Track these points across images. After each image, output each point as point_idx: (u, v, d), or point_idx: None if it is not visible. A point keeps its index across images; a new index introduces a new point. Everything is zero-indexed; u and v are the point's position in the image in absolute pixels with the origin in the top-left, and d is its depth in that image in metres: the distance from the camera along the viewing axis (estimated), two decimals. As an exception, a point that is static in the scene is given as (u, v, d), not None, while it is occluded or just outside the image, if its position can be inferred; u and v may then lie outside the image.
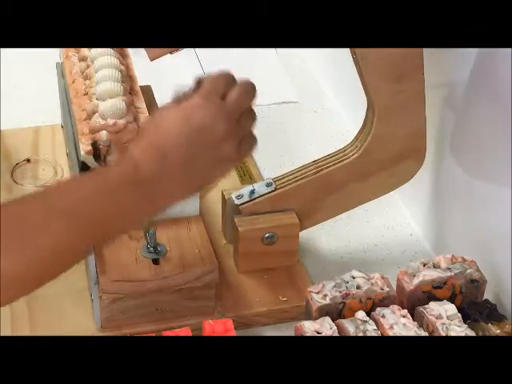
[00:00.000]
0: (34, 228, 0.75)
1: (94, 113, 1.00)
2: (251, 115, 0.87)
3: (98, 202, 0.79)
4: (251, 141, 0.87)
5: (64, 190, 0.80)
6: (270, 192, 1.01)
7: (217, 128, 0.82)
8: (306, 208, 1.02)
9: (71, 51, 1.13)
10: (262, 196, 1.01)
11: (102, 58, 1.05)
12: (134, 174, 0.80)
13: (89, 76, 1.06)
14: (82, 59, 1.09)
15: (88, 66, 1.08)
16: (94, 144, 0.98)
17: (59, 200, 0.78)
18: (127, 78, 1.07)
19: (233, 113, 0.84)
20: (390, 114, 0.96)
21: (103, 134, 0.98)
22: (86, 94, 1.05)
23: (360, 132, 1.00)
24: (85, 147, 0.98)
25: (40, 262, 0.75)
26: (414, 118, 0.97)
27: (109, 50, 1.07)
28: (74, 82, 1.08)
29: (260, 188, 1.02)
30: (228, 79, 0.86)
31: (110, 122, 0.98)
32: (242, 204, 1.01)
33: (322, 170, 1.01)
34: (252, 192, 1.02)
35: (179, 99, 0.84)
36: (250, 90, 0.86)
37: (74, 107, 1.04)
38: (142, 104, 1.04)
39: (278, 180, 1.03)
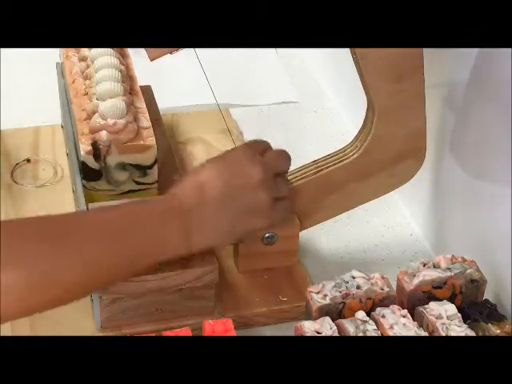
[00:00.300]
0: (80, 242, 0.80)
1: (93, 113, 1.00)
2: (286, 181, 0.95)
3: (139, 228, 0.83)
4: (287, 205, 0.94)
5: (113, 212, 0.85)
6: None
7: (254, 174, 0.89)
8: (306, 208, 1.02)
9: (71, 51, 1.12)
10: None
11: (102, 58, 1.05)
12: (178, 205, 0.86)
13: (89, 76, 1.06)
14: (82, 59, 1.09)
15: (88, 66, 1.08)
16: (94, 144, 0.98)
17: (107, 220, 0.83)
18: (127, 78, 1.07)
19: (269, 168, 0.91)
20: (389, 114, 0.96)
21: (103, 134, 0.98)
22: (86, 93, 1.05)
23: (360, 132, 1.00)
24: (85, 147, 0.98)
25: (77, 275, 0.80)
26: (414, 118, 0.97)
27: (109, 49, 1.07)
28: (74, 82, 1.08)
29: None
30: (266, 144, 0.94)
31: (110, 121, 0.98)
32: None
33: (321, 170, 1.01)
34: None
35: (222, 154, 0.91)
36: (286, 155, 0.94)
37: (74, 107, 1.04)
38: (141, 104, 1.04)
39: (278, 180, 1.03)
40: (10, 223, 0.81)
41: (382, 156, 0.99)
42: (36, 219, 0.84)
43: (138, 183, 1.01)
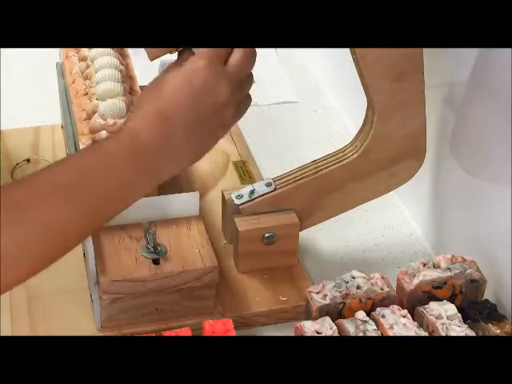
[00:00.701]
0: (34, 204, 0.73)
1: (93, 113, 1.00)
2: (250, 79, 0.86)
3: (97, 176, 0.77)
4: (248, 102, 0.86)
5: (63, 167, 0.78)
6: (269, 192, 1.01)
7: (220, 92, 0.81)
8: (306, 208, 1.02)
9: (71, 51, 1.13)
10: (261, 196, 1.01)
11: (102, 58, 1.05)
12: (133, 143, 0.78)
13: (89, 76, 1.06)
14: (82, 59, 1.10)
15: (88, 66, 1.08)
16: (94, 144, 0.98)
17: (58, 176, 0.76)
18: (127, 77, 1.07)
19: (235, 77, 0.82)
20: (389, 114, 0.96)
21: (103, 134, 0.98)
22: (86, 94, 1.05)
23: (360, 132, 1.00)
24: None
25: (42, 239, 0.74)
26: (413, 118, 0.97)
27: (109, 49, 1.07)
28: (74, 82, 1.08)
29: (260, 188, 1.02)
30: (226, 49, 0.83)
31: (110, 121, 0.98)
32: (242, 204, 1.01)
33: (321, 169, 1.01)
34: (252, 192, 1.02)
35: (180, 62, 0.82)
36: (251, 55, 0.84)
37: (74, 107, 1.04)
38: None
39: (277, 180, 1.03)
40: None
41: (382, 156, 0.99)
42: None
43: (137, 183, 1.01)
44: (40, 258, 0.75)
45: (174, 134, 0.80)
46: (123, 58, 1.10)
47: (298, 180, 1.01)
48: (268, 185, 1.02)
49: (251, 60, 0.84)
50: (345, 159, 1.00)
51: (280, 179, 1.03)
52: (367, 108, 0.97)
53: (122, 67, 1.06)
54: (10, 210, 0.73)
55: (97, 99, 1.01)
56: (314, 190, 1.01)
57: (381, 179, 1.01)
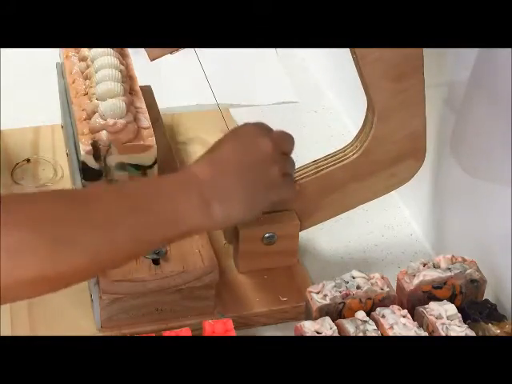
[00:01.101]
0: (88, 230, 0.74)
1: (93, 113, 1.00)
2: (291, 160, 0.94)
3: (151, 199, 0.80)
4: (293, 182, 0.95)
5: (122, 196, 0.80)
6: None
7: (265, 148, 0.88)
8: (305, 208, 1.02)
9: (71, 51, 1.12)
10: None
11: (102, 58, 1.05)
12: (186, 175, 0.84)
13: (89, 76, 1.06)
14: (82, 59, 1.09)
15: (88, 66, 1.08)
16: (94, 144, 0.98)
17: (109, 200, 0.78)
18: (127, 77, 1.07)
19: (277, 144, 0.90)
20: (390, 114, 0.96)
21: (103, 134, 0.98)
22: (86, 94, 1.05)
23: (360, 132, 1.00)
24: (85, 147, 0.98)
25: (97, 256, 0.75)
26: (414, 118, 0.97)
27: (109, 49, 1.07)
28: (74, 82, 1.08)
29: None
30: (269, 127, 0.93)
31: (110, 121, 0.98)
32: None
33: (321, 169, 1.01)
34: None
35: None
36: (291, 136, 0.94)
37: (74, 107, 1.04)
38: (141, 104, 1.04)
39: (278, 180, 1.03)
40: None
41: (382, 156, 0.99)
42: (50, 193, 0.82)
43: (138, 183, 1.01)
44: (91, 263, 0.75)
45: (226, 173, 0.85)
46: (123, 57, 1.10)
47: (298, 180, 1.01)
48: None
49: (291, 140, 0.94)
50: (345, 159, 1.00)
51: None
52: (367, 108, 0.97)
53: (122, 67, 1.06)
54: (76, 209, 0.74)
55: (97, 99, 1.01)
56: (314, 190, 1.01)
57: (381, 179, 1.01)
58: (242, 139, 0.89)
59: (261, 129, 0.91)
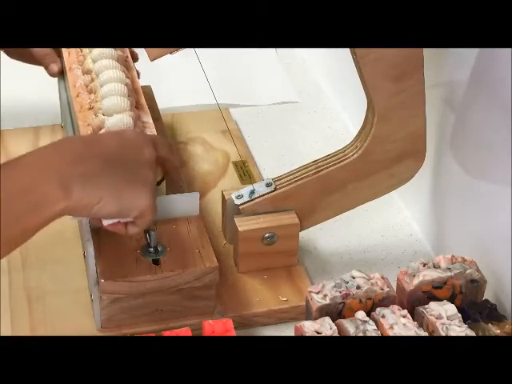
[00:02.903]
0: None
1: (99, 128, 0.98)
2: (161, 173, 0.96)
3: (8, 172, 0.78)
4: (156, 195, 0.90)
5: None
6: (269, 192, 1.01)
7: (147, 153, 0.87)
8: (305, 208, 1.02)
9: (74, 63, 1.11)
10: (261, 196, 1.01)
11: (108, 71, 1.03)
12: (58, 158, 0.81)
13: (94, 90, 1.04)
14: (87, 72, 1.07)
15: (92, 80, 1.05)
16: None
17: None
18: (132, 91, 1.05)
19: (162, 158, 0.91)
20: (389, 115, 0.96)
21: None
22: (91, 108, 1.03)
23: (360, 132, 1.00)
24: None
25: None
26: (414, 118, 0.97)
27: (114, 62, 1.04)
28: (78, 96, 1.05)
29: (260, 188, 1.02)
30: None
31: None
32: (242, 204, 1.01)
33: (321, 170, 1.01)
34: (252, 192, 1.02)
35: None
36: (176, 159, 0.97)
37: (79, 122, 1.02)
38: (148, 118, 1.03)
39: (277, 180, 1.03)
40: None
41: (382, 156, 0.99)
42: None
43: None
44: None
45: (94, 157, 0.83)
46: (128, 70, 1.09)
47: (298, 180, 1.01)
48: (268, 185, 1.02)
49: (175, 154, 0.96)
50: (345, 159, 1.00)
51: (280, 179, 1.03)
52: (367, 108, 0.97)
53: (127, 81, 1.04)
54: None
55: (103, 114, 0.99)
56: (314, 190, 1.01)
57: (381, 179, 1.01)
58: (127, 136, 0.88)
59: (150, 138, 0.91)
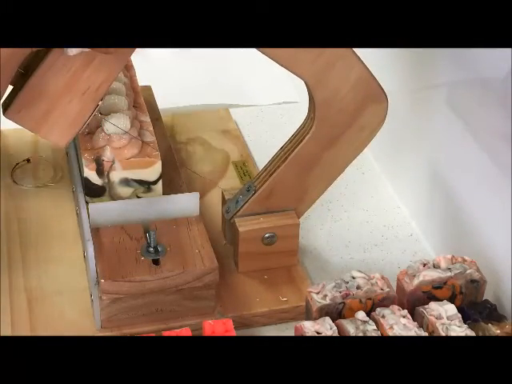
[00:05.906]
0: None
1: (97, 127, 0.99)
2: None
3: None
4: None
5: None
6: (251, 196, 1.01)
7: None
8: (294, 194, 1.01)
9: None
10: (245, 203, 1.01)
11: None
12: None
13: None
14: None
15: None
16: (98, 160, 0.98)
17: None
18: (131, 90, 1.05)
19: None
20: (321, 79, 0.93)
21: (107, 150, 0.98)
22: None
23: (309, 106, 0.98)
24: (88, 163, 0.98)
25: None
26: (350, 69, 0.93)
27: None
28: None
29: (242, 195, 1.01)
30: None
31: (114, 137, 0.97)
32: (231, 218, 1.01)
33: (290, 153, 0.99)
34: (237, 202, 1.01)
35: None
36: None
37: None
38: (146, 118, 1.03)
39: (255, 181, 1.02)
40: None
41: (340, 116, 0.96)
42: None
43: (141, 199, 1.01)
44: None
45: None
46: (126, 69, 1.09)
47: (272, 173, 1.00)
48: (248, 189, 1.01)
49: None
50: (306, 134, 0.98)
51: (257, 179, 1.02)
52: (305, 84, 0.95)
53: (125, 80, 1.04)
54: None
55: (100, 113, 1.00)
56: (293, 174, 0.99)
57: (353, 136, 0.98)
58: None
59: None
